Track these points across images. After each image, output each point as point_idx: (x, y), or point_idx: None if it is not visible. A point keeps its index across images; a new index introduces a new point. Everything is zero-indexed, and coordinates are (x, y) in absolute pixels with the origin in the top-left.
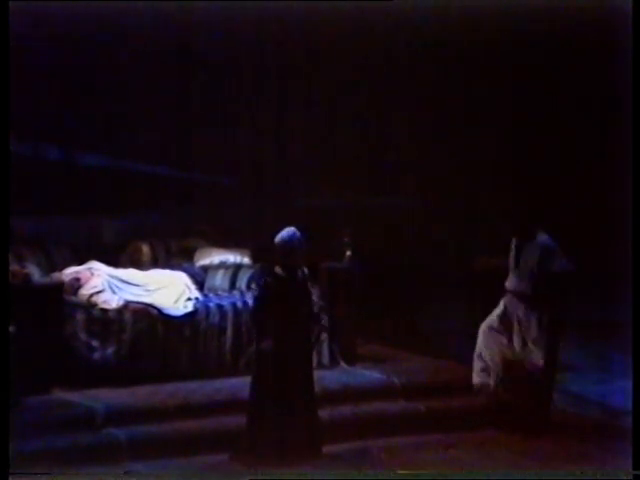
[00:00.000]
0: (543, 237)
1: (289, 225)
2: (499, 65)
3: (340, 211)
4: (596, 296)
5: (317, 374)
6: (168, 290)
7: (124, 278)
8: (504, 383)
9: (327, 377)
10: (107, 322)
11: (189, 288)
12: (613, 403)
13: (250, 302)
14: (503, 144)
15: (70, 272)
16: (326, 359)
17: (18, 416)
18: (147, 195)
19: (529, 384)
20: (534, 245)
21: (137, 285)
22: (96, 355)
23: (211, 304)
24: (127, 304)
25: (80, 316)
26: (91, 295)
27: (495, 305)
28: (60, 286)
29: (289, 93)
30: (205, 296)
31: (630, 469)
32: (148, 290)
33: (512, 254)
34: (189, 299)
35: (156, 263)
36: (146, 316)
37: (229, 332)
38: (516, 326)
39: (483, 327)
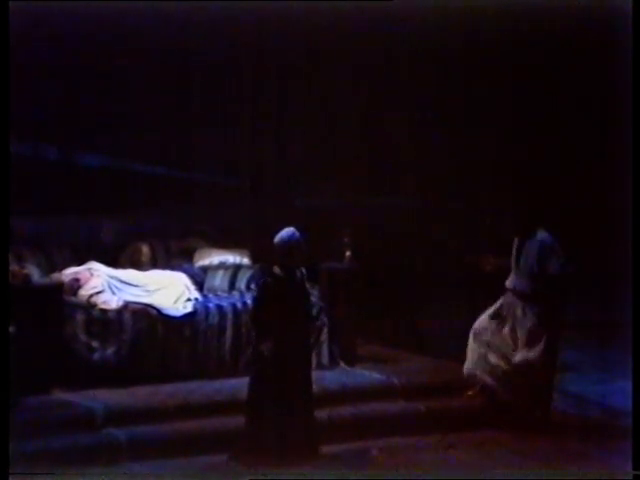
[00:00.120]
0: (543, 234)
1: (289, 225)
2: (499, 65)
3: (340, 211)
4: (596, 296)
5: (317, 374)
6: (168, 290)
7: (124, 279)
8: (502, 383)
9: (327, 377)
10: (107, 322)
11: (189, 289)
12: (613, 403)
13: (249, 302)
14: (503, 144)
15: (70, 272)
16: (326, 359)
17: (18, 416)
18: (147, 195)
19: (529, 384)
20: (533, 243)
21: (137, 286)
22: (96, 355)
23: (211, 304)
24: (127, 304)
25: (80, 316)
26: (91, 295)
27: None
28: (60, 286)
29: (289, 93)
30: (205, 297)
31: (630, 469)
32: (148, 290)
33: (514, 253)
34: (189, 299)
35: (156, 263)
36: (146, 316)
37: (229, 332)
38: (512, 324)
39: (476, 325)
